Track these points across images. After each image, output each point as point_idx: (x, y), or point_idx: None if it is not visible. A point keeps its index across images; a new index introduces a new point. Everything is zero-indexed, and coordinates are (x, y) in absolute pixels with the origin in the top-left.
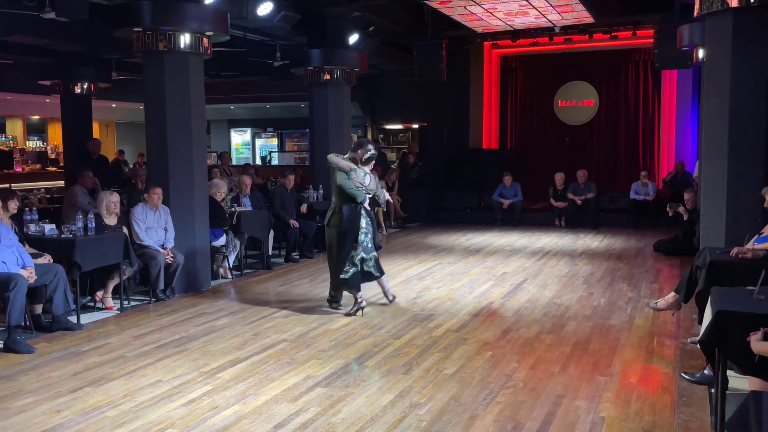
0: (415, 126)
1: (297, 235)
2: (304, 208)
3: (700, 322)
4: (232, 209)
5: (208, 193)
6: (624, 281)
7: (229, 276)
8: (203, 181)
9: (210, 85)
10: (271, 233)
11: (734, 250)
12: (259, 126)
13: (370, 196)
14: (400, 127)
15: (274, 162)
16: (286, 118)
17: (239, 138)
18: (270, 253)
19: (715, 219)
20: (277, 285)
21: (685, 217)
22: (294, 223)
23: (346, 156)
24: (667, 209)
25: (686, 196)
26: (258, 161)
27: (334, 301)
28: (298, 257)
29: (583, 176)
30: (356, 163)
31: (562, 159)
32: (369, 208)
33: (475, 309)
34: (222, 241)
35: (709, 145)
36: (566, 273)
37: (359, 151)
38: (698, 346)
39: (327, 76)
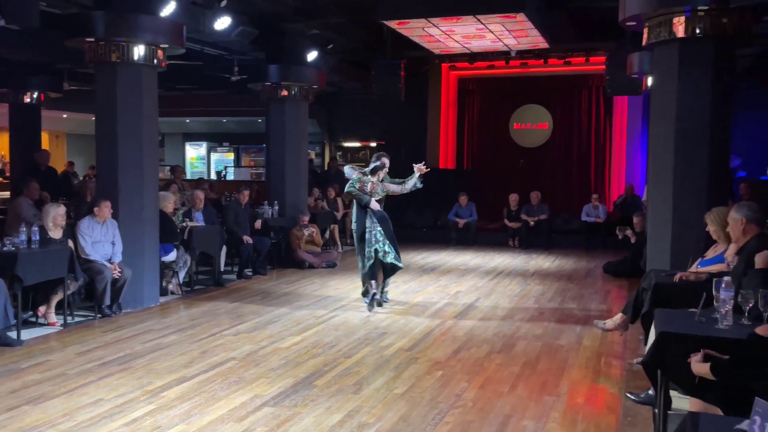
0: (373, 144)
1: (250, 252)
2: (258, 223)
3: (646, 342)
4: (184, 224)
5: (158, 206)
6: (574, 301)
7: (179, 292)
8: (154, 194)
9: (165, 98)
10: (224, 249)
11: (677, 275)
12: (215, 140)
13: (377, 198)
14: (358, 145)
15: (230, 177)
16: (242, 133)
17: (194, 152)
18: (222, 269)
19: (660, 242)
20: (228, 302)
21: (633, 240)
22: (247, 238)
23: (365, 169)
24: (617, 232)
25: (635, 219)
26: (213, 176)
27: (364, 294)
28: (251, 274)
29: (536, 198)
30: (368, 174)
31: (517, 180)
32: (378, 209)
33: (428, 328)
34: (172, 256)
35: (656, 170)
36: (518, 293)
37: (371, 163)
38: (642, 366)
39: (284, 92)
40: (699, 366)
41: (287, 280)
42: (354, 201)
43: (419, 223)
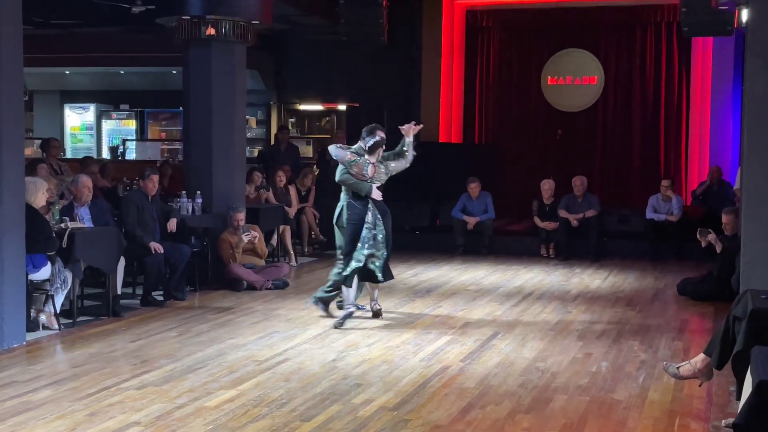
0: (342, 107)
1: (161, 266)
2: (172, 224)
3: (739, 396)
4: (62, 225)
5: (24, 200)
6: (635, 337)
7: (56, 326)
8: (17, 181)
9: (33, 38)
10: (122, 262)
11: None
12: (108, 101)
13: (378, 185)
14: (320, 108)
15: (131, 155)
16: (149, 91)
17: (77, 118)
18: (119, 291)
19: (761, 249)
20: (129, 340)
21: (720, 248)
22: (156, 247)
23: (354, 146)
24: (698, 236)
25: (724, 217)
26: (106, 154)
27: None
28: (162, 299)
29: (580, 186)
30: (364, 153)
31: (552, 161)
32: (380, 200)
33: (422, 377)
34: (45, 273)
35: (754, 144)
36: (554, 325)
37: (363, 140)
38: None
39: (211, 31)
40: None
41: (216, 308)
42: (345, 191)
43: (409, 224)
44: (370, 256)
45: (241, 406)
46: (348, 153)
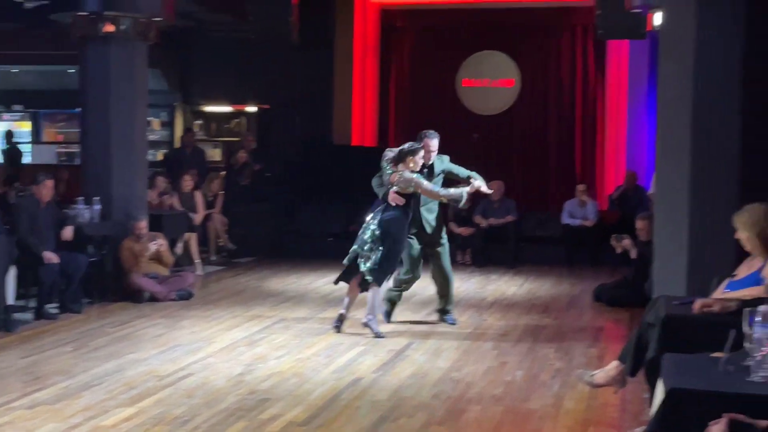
0: (252, 109)
1: (56, 276)
2: (68, 232)
3: (652, 403)
4: None
5: None
6: (551, 345)
7: None
8: None
9: None
10: (12, 271)
11: (697, 303)
12: (0, 101)
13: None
14: (228, 109)
15: (26, 159)
16: (44, 90)
17: None
18: (10, 303)
19: (673, 255)
20: (20, 356)
21: (634, 254)
22: (51, 256)
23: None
24: (612, 242)
25: (638, 222)
26: None
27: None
28: (56, 312)
29: (497, 191)
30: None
31: (468, 165)
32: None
33: (334, 389)
34: None
35: (666, 150)
36: (469, 333)
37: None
38: None
39: (109, 27)
40: None
41: (115, 320)
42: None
43: (322, 229)
44: (357, 254)
45: (140, 424)
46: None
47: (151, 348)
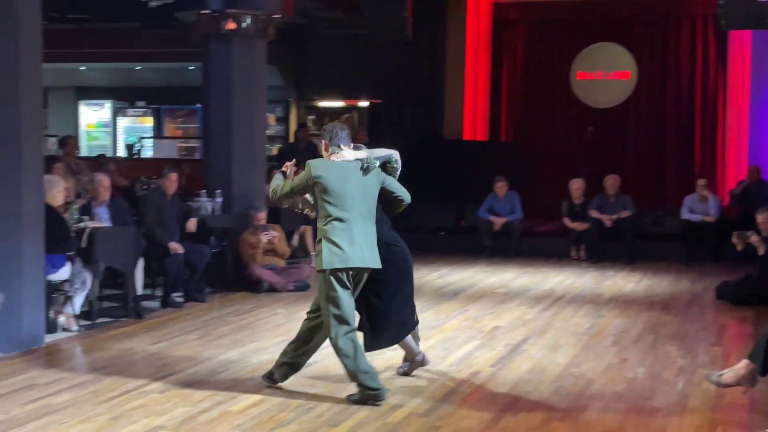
0: (364, 104)
1: (181, 267)
2: (192, 224)
3: None
4: (81, 224)
5: (44, 199)
6: (672, 343)
7: (75, 327)
8: (38, 180)
9: (47, 34)
10: (141, 262)
11: None
12: (123, 98)
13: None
14: (340, 104)
15: (147, 153)
16: (166, 87)
17: (93, 115)
18: (139, 292)
19: None
20: (150, 342)
21: (761, 251)
22: (176, 247)
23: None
24: (734, 239)
25: (760, 217)
26: (122, 152)
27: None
28: (182, 300)
29: (613, 185)
30: None
31: (583, 159)
32: None
33: (452, 383)
34: (64, 273)
35: None
36: (587, 329)
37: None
38: None
39: (231, 25)
40: None
41: (237, 310)
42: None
43: (433, 224)
44: None
45: (266, 411)
46: None
47: (272, 337)
